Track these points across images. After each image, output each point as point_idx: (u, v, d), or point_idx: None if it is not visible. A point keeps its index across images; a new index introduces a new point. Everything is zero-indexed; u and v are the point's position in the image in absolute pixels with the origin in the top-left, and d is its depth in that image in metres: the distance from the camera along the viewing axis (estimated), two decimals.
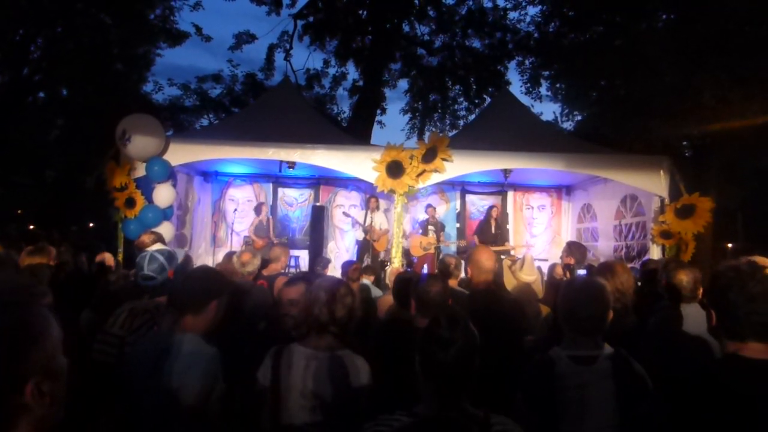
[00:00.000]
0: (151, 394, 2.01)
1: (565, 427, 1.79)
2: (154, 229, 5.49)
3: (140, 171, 7.45)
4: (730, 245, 19.37)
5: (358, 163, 7.79)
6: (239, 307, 3.21)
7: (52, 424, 0.92)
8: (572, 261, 4.18)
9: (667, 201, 7.53)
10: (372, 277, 5.59)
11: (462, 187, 10.96)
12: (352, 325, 2.28)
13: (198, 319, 2.17)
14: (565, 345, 1.93)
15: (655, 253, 7.52)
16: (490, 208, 10.03)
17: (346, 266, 5.48)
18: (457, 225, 10.99)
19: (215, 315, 2.22)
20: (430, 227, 9.69)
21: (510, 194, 11.09)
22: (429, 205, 9.97)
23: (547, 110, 37.71)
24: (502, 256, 8.72)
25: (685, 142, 13.63)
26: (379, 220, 9.51)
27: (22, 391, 0.86)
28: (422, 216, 10.22)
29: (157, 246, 3.25)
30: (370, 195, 9.60)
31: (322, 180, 10.80)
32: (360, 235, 9.58)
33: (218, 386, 2.06)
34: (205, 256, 10.04)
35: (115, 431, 2.16)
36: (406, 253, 9.17)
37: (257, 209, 9.97)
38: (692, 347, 2.33)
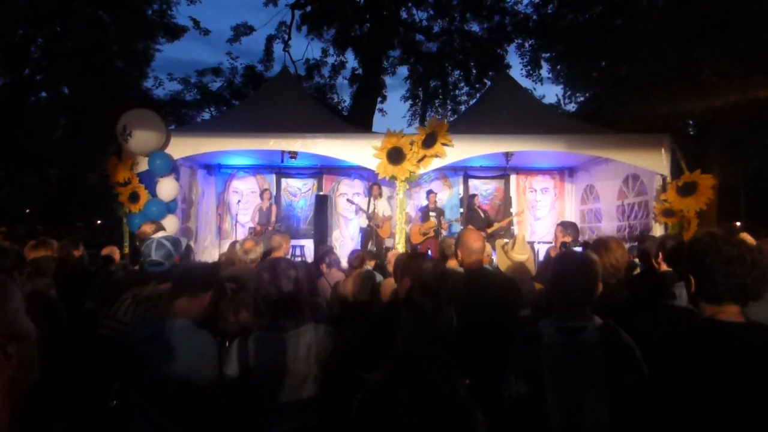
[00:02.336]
0: (156, 375, 2.08)
1: (553, 397, 1.82)
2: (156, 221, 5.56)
3: (143, 165, 7.51)
4: (738, 224, 19.28)
5: (360, 151, 7.83)
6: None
7: (24, 384, 0.95)
8: (569, 239, 4.21)
9: (668, 179, 7.53)
10: (373, 262, 5.65)
11: (464, 171, 10.98)
12: (303, 297, 2.30)
13: (193, 303, 2.23)
14: (554, 317, 1.98)
15: (658, 231, 7.52)
16: (471, 197, 10.22)
17: (350, 255, 5.53)
18: (461, 210, 11.02)
19: (208, 305, 2.29)
20: (431, 213, 9.74)
21: (513, 177, 11.10)
22: (430, 191, 10.00)
23: (550, 93, 37.55)
24: (506, 240, 8.75)
25: (687, 121, 13.57)
26: (382, 207, 9.59)
27: None
28: (424, 202, 10.26)
29: (163, 233, 3.32)
30: (373, 182, 9.65)
31: (324, 169, 10.85)
32: (364, 222, 9.66)
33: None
34: (211, 249, 10.14)
35: (125, 403, 2.23)
36: (408, 240, 9.24)
37: (262, 195, 10.07)
38: (675, 316, 2.38)
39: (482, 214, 9.84)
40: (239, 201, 10.56)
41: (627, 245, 4.56)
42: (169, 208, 7.62)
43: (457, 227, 10.31)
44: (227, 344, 2.36)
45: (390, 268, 4.43)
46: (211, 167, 10.43)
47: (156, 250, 2.91)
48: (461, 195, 11.07)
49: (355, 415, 0.98)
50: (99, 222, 24.77)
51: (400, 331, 1.74)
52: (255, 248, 4.16)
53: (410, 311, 1.74)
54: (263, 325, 2.21)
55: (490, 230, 9.40)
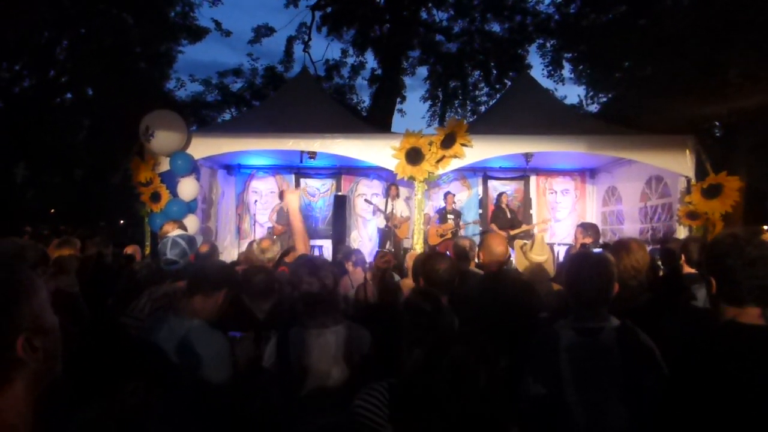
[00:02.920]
0: (169, 376, 2.10)
1: (571, 399, 1.82)
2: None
3: (164, 165, 7.63)
4: (766, 227, 18.83)
5: (378, 151, 7.84)
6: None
7: (48, 378, 0.97)
8: (590, 240, 4.17)
9: (693, 181, 7.41)
10: (392, 262, 5.64)
11: (483, 172, 10.93)
12: (340, 295, 2.36)
13: (207, 302, 2.25)
14: (571, 318, 1.97)
15: (681, 234, 7.40)
16: (500, 195, 10.11)
17: (377, 256, 5.48)
18: (480, 211, 10.97)
19: (222, 304, 2.31)
20: (449, 215, 9.70)
21: (533, 179, 11.02)
22: (447, 193, 9.97)
23: (572, 93, 37.10)
24: (525, 241, 8.68)
25: (713, 122, 13.32)
26: (400, 208, 9.61)
27: (13, 345, 0.90)
28: (443, 204, 10.23)
29: (179, 231, 3.37)
30: (391, 183, 9.66)
31: (343, 170, 10.88)
32: (382, 223, 9.67)
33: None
34: (231, 249, 10.24)
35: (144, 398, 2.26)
36: (426, 242, 9.23)
37: (281, 195, 10.11)
38: (695, 318, 2.34)
39: (509, 214, 9.77)
40: (256, 201, 10.64)
41: (649, 248, 4.50)
42: (190, 207, 7.72)
43: (475, 230, 10.28)
44: (254, 338, 2.40)
45: (409, 268, 4.44)
46: (231, 167, 10.54)
47: (171, 248, 2.96)
48: (480, 196, 11.03)
49: (395, 397, 1.00)
50: (121, 222, 25.17)
51: (403, 333, 1.76)
52: (272, 247, 4.19)
53: (409, 312, 1.76)
54: (302, 321, 2.25)
55: (513, 232, 9.35)
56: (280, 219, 9.77)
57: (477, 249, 3.97)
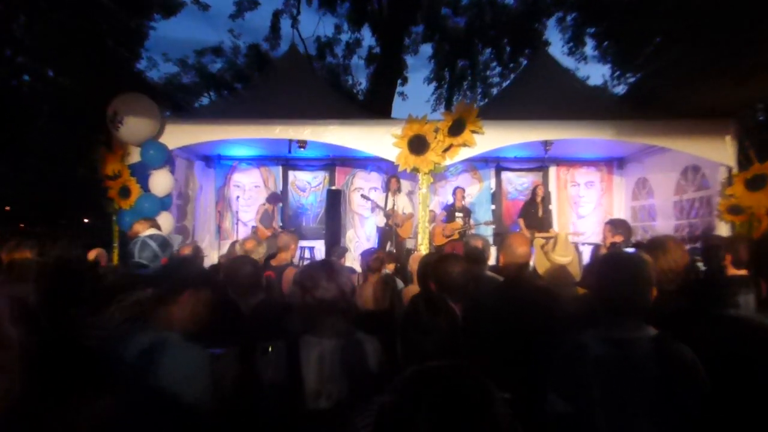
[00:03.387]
0: (138, 397, 2.06)
1: (600, 418, 1.80)
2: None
3: (134, 156, 7.61)
4: None
5: (377, 140, 7.82)
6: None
7: (6, 394, 0.95)
8: (620, 239, 4.15)
9: (735, 171, 7.40)
10: (393, 266, 5.63)
11: (497, 163, 10.91)
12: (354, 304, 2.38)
13: (172, 311, 2.22)
14: (600, 327, 1.95)
15: (722, 232, 7.39)
16: (535, 187, 10.00)
17: (367, 255, 5.47)
18: (492, 207, 10.96)
19: (192, 309, 2.26)
20: (458, 213, 9.65)
21: (552, 170, 11.02)
22: (457, 188, 9.91)
23: (595, 73, 37.00)
24: (545, 239, 8.66)
25: (756, 105, 13.28)
26: (402, 204, 9.55)
27: None
28: (450, 199, 10.18)
29: (151, 231, 3.34)
30: (391, 175, 9.64)
31: (337, 161, 10.88)
32: (381, 221, 9.63)
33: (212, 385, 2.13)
34: (210, 251, 10.21)
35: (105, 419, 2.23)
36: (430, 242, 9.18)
37: (273, 198, 10.13)
38: (740, 326, 2.31)
39: (541, 212, 9.72)
40: (239, 197, 10.61)
41: (686, 247, 4.48)
42: (164, 204, 7.69)
43: (487, 231, 10.23)
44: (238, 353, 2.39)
45: (413, 272, 4.41)
46: (210, 159, 10.52)
47: (140, 251, 2.93)
48: (493, 190, 11.01)
49: None
50: (86, 220, 25.14)
51: (400, 345, 1.76)
52: (257, 249, 4.18)
53: (408, 321, 1.75)
54: (314, 329, 2.25)
55: (539, 235, 9.26)
56: (264, 221, 9.74)
57: (490, 251, 3.96)
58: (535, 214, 9.67)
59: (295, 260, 6.96)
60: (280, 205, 10.51)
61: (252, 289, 3.19)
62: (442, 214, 10.04)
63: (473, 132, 7.52)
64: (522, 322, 2.67)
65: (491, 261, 4.40)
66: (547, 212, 9.94)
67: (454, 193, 9.87)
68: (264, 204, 9.95)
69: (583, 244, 9.83)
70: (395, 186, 9.52)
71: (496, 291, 3.11)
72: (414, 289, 3.90)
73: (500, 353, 2.45)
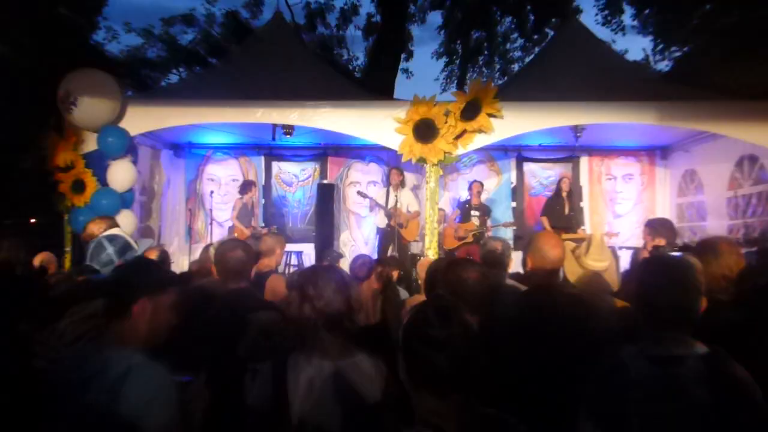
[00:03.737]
0: (94, 426, 2.06)
1: None
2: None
3: (91, 144, 7.59)
4: None
5: (377, 125, 7.81)
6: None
7: None
8: (662, 242, 4.15)
9: None
10: (396, 273, 5.63)
11: (518, 152, 10.93)
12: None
13: (125, 325, 2.20)
14: (641, 344, 1.96)
15: None
16: (560, 180, 10.01)
17: (353, 262, 5.43)
18: (513, 204, 10.97)
19: (150, 321, 2.25)
20: (473, 212, 9.65)
21: (584, 161, 11.03)
22: (473, 182, 9.92)
23: (635, 47, 36.90)
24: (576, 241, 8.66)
25: None
26: (406, 201, 9.54)
27: None
28: (465, 195, 10.17)
29: (113, 231, 3.35)
30: (393, 167, 9.63)
31: (330, 150, 10.90)
32: (382, 221, 9.62)
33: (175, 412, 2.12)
34: (179, 255, 10.23)
35: None
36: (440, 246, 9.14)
37: (243, 188, 10.06)
38: None
39: (567, 209, 9.75)
40: (212, 193, 10.55)
41: (742, 250, 4.49)
42: (124, 200, 7.69)
43: (507, 234, 10.23)
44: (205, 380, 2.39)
45: (421, 281, 4.43)
46: (180, 147, 10.53)
47: (93, 254, 2.94)
48: (513, 184, 11.02)
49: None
50: (33, 220, 25.12)
51: (402, 364, 1.76)
52: None
53: (413, 333, 1.74)
54: (311, 347, 2.25)
55: (566, 236, 9.24)
56: (242, 218, 9.73)
57: (511, 255, 3.95)
58: (561, 211, 9.68)
59: (281, 267, 6.97)
60: (263, 201, 10.50)
61: (237, 274, 3.32)
62: (454, 213, 10.04)
63: (490, 115, 7.52)
64: (551, 338, 2.66)
65: (511, 267, 4.39)
66: (575, 209, 9.94)
67: (469, 188, 9.87)
68: (240, 197, 9.94)
69: (621, 248, 9.83)
70: (398, 179, 9.52)
71: (520, 301, 3.09)
72: (421, 299, 3.90)
73: (524, 374, 2.45)
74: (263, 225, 10.26)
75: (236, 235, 9.35)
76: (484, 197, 10.22)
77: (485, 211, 9.79)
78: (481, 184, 9.99)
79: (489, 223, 9.78)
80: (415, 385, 1.70)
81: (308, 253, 10.34)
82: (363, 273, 4.95)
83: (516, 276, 4.19)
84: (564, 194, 9.77)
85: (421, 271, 4.87)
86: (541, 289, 3.05)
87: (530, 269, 3.17)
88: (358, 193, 10.27)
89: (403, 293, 5.49)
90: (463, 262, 2.92)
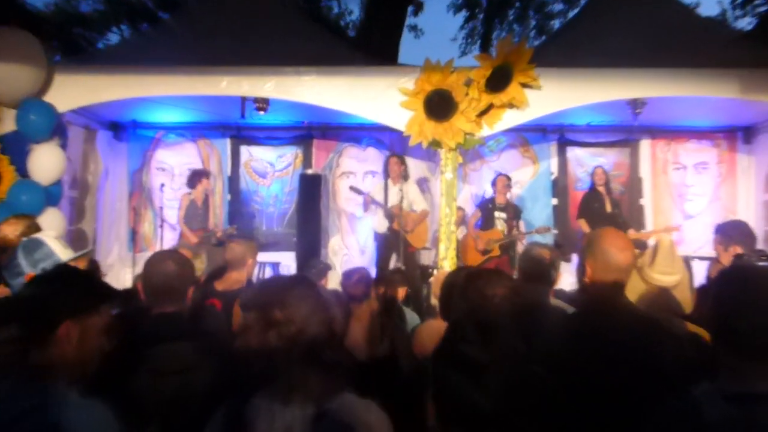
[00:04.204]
0: None
1: None
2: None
3: (7, 123, 7.61)
4: None
5: (377, 98, 7.82)
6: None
7: None
8: (739, 250, 4.15)
9: None
10: (402, 290, 5.64)
11: (560, 134, 10.96)
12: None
13: (46, 353, 2.20)
14: (720, 379, 1.97)
15: None
16: (595, 170, 10.12)
17: (345, 279, 5.37)
18: (554, 202, 10.95)
19: (78, 348, 2.26)
20: (499, 213, 9.61)
21: (645, 145, 11.05)
22: (499, 176, 9.89)
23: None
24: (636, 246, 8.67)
25: None
26: (412, 197, 9.52)
27: None
28: (488, 191, 10.14)
29: (34, 235, 3.35)
30: (396, 153, 9.60)
31: (315, 130, 10.91)
32: (381, 223, 9.56)
33: None
34: (120, 268, 10.23)
35: None
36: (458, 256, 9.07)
37: (193, 179, 10.05)
38: None
39: (609, 206, 9.74)
40: (163, 186, 10.58)
41: None
42: (50, 196, 7.70)
43: (544, 242, 10.21)
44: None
45: (436, 297, 4.43)
46: (122, 127, 10.54)
47: (6, 264, 2.94)
48: (555, 175, 11.01)
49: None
50: None
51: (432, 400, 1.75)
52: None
53: (446, 364, 1.73)
54: (279, 388, 2.24)
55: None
56: (191, 220, 9.68)
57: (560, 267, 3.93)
58: (600, 209, 9.70)
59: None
60: (228, 197, 10.49)
61: (169, 297, 3.17)
62: (474, 214, 9.96)
63: (524, 86, 7.51)
64: (610, 372, 2.64)
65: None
66: (617, 206, 9.97)
67: (494, 183, 9.85)
68: (189, 192, 9.93)
69: (693, 258, 9.83)
70: (400, 170, 9.45)
71: (571, 323, 3.04)
72: (437, 325, 3.90)
73: (580, 415, 2.44)
74: (229, 227, 10.19)
75: (184, 240, 9.37)
76: (516, 194, 10.20)
77: (514, 212, 9.79)
78: (508, 178, 9.95)
79: (521, 228, 9.76)
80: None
81: (287, 265, 10.34)
82: (360, 291, 4.94)
83: (560, 294, 4.21)
84: (600, 187, 9.82)
85: (436, 287, 4.87)
86: (604, 307, 2.96)
87: (590, 280, 3.02)
88: (351, 188, 10.18)
89: (412, 317, 5.50)
90: (487, 275, 2.89)
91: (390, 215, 9.36)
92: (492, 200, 9.77)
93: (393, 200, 9.36)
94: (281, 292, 2.29)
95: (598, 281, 2.94)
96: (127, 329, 2.74)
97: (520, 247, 9.41)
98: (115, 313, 2.48)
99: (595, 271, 2.95)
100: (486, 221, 9.63)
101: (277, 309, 2.21)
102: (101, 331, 2.33)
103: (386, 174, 9.74)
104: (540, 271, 3.80)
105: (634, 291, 3.48)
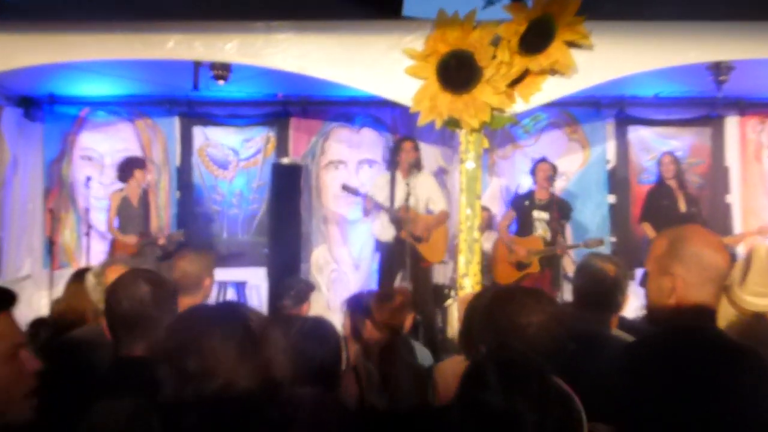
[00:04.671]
0: None
1: None
2: None
3: None
4: None
5: (375, 63, 7.84)
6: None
7: None
8: None
9: None
10: (409, 319, 5.63)
11: (619, 109, 10.97)
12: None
13: None
14: None
15: None
16: (664, 156, 10.14)
17: (353, 304, 5.41)
18: (611, 199, 10.95)
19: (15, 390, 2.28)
20: (539, 213, 9.59)
21: (731, 123, 11.08)
22: (540, 161, 9.87)
23: None
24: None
25: None
26: (427, 193, 9.50)
27: None
28: (526, 184, 10.15)
29: None
30: (401, 137, 9.59)
31: (293, 106, 10.92)
32: (386, 231, 9.53)
33: None
34: (33, 288, 10.23)
35: None
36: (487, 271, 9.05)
37: (124, 170, 10.10)
38: None
39: (684, 203, 9.69)
40: (90, 179, 10.59)
41: None
42: None
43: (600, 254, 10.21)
44: None
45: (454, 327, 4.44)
46: (36, 103, 10.54)
47: None
48: (611, 164, 11.01)
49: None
50: None
51: None
52: None
53: (465, 422, 1.74)
54: None
55: None
56: (126, 223, 9.69)
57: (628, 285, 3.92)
58: (672, 209, 9.72)
59: None
60: (177, 194, 10.50)
61: (141, 332, 3.12)
62: (506, 216, 9.93)
63: (571, 45, 7.50)
64: (694, 415, 2.63)
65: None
66: (694, 203, 10.00)
67: (533, 171, 9.83)
68: (121, 188, 9.99)
69: None
70: (408, 157, 9.42)
71: (643, 352, 3.00)
72: (458, 366, 3.89)
73: None
74: (176, 232, 10.19)
75: (117, 247, 9.39)
76: (561, 187, 10.20)
77: (560, 210, 9.76)
78: (554, 167, 9.94)
79: (567, 234, 9.74)
80: None
81: (256, 285, 10.35)
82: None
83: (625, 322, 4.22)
84: (671, 181, 9.79)
85: (460, 310, 4.88)
86: (690, 330, 2.91)
87: (678, 298, 2.94)
88: (344, 187, 10.10)
89: (422, 353, 5.49)
90: (521, 296, 2.87)
91: (396, 218, 9.26)
92: (530, 196, 9.76)
93: (401, 198, 9.21)
94: (197, 331, 2.27)
95: (684, 301, 2.82)
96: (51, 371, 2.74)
97: (567, 260, 9.43)
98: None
99: (686, 282, 2.76)
100: (522, 225, 9.61)
101: (192, 358, 2.20)
102: (20, 369, 2.33)
103: (392, 163, 9.69)
104: (601, 293, 3.77)
105: (726, 317, 3.47)
